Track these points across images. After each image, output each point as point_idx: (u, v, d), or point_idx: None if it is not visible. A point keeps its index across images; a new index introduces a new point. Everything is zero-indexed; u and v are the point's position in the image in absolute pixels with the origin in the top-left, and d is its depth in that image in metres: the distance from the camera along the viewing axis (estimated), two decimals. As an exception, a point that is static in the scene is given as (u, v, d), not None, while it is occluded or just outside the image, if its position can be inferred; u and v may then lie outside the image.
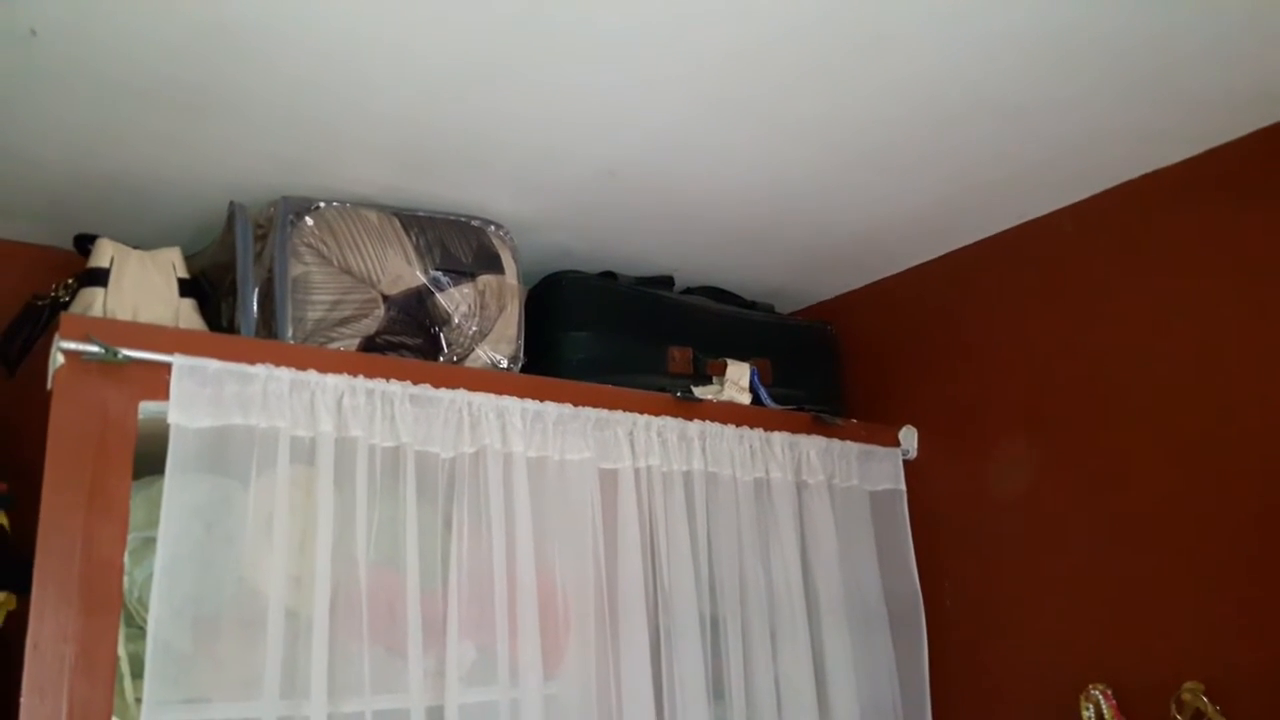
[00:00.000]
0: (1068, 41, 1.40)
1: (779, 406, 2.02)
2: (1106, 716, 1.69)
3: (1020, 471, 1.95)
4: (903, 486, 2.11)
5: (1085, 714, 1.71)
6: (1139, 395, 1.77)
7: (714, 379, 2.00)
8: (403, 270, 1.64)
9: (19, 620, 1.25)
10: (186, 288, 1.54)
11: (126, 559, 1.26)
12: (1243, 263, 1.66)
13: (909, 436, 2.15)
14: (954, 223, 2.00)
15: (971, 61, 1.44)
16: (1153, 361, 1.75)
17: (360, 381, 1.44)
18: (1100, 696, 1.70)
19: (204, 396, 1.32)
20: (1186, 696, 1.60)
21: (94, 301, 1.45)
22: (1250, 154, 1.66)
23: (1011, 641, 1.92)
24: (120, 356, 1.28)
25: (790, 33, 1.36)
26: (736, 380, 2.00)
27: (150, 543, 1.29)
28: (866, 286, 2.32)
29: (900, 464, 2.13)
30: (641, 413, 1.75)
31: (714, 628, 1.75)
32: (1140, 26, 1.37)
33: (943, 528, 2.07)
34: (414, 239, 1.68)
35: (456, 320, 1.68)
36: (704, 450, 1.81)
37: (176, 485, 1.28)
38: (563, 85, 1.45)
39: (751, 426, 1.89)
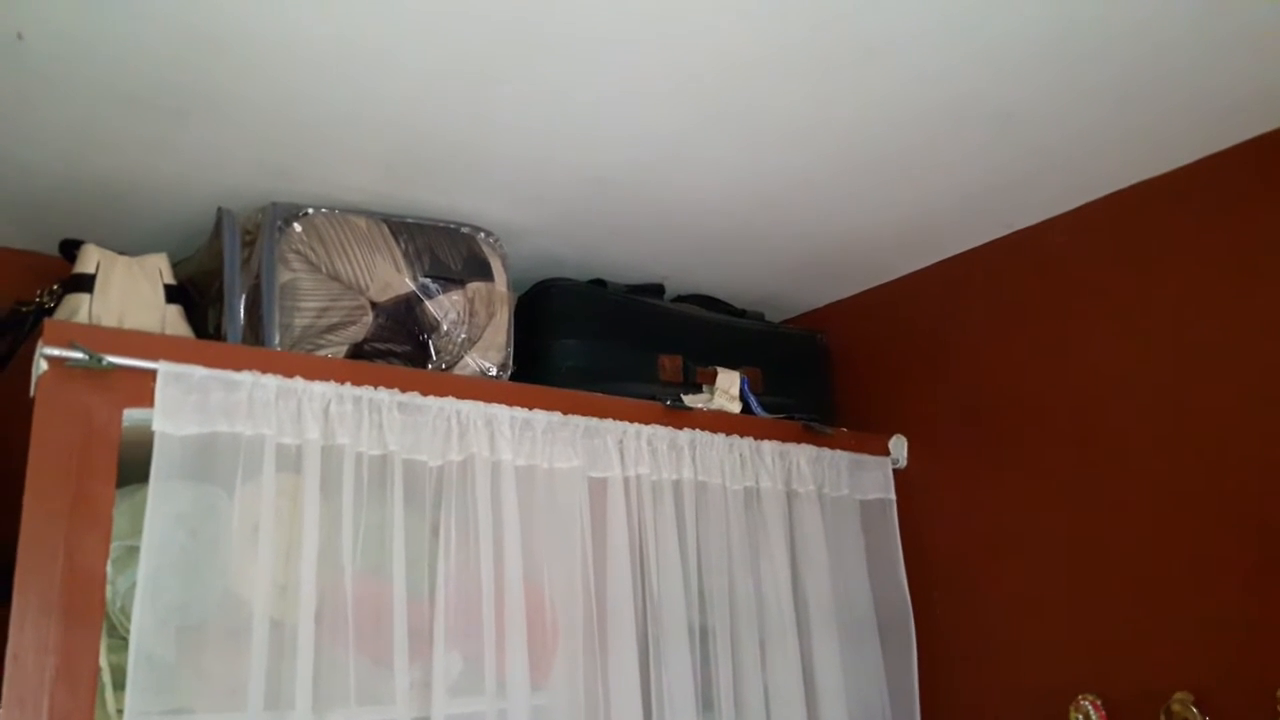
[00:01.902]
0: (1057, 52, 1.40)
1: (769, 415, 2.01)
2: (1096, 727, 1.69)
3: (1010, 481, 1.94)
4: (893, 496, 2.11)
5: (1075, 725, 1.71)
6: (1129, 406, 1.77)
7: (704, 387, 1.99)
8: (391, 277, 1.63)
9: (-1, 630, 1.24)
10: (173, 294, 1.53)
11: (109, 568, 1.25)
12: (1234, 272, 1.66)
13: (899, 446, 2.15)
14: (945, 232, 2.00)
15: (962, 71, 1.44)
16: (1143, 372, 1.76)
17: (348, 389, 1.43)
18: (1090, 707, 1.70)
19: (189, 404, 1.31)
20: (1176, 707, 1.60)
21: (79, 307, 1.44)
22: (1240, 163, 1.66)
23: (1002, 651, 1.91)
24: (105, 363, 1.26)
25: (782, 45, 1.36)
26: (727, 389, 1.99)
27: (134, 551, 1.27)
28: (857, 295, 2.32)
29: (890, 473, 2.12)
30: (631, 421, 1.74)
31: (703, 637, 1.74)
32: (1130, 36, 1.38)
33: (933, 537, 2.07)
34: (403, 246, 1.67)
35: (445, 327, 1.67)
36: (694, 459, 1.80)
37: (161, 493, 1.27)
38: (553, 93, 1.45)
39: (741, 435, 1.88)
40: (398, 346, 1.63)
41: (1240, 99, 1.54)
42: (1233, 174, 1.67)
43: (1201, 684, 1.60)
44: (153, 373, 1.30)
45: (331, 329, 1.57)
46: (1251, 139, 1.65)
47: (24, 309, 1.52)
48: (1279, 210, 1.61)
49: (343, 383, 1.43)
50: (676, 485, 1.77)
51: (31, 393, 1.25)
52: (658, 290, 2.11)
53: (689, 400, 1.90)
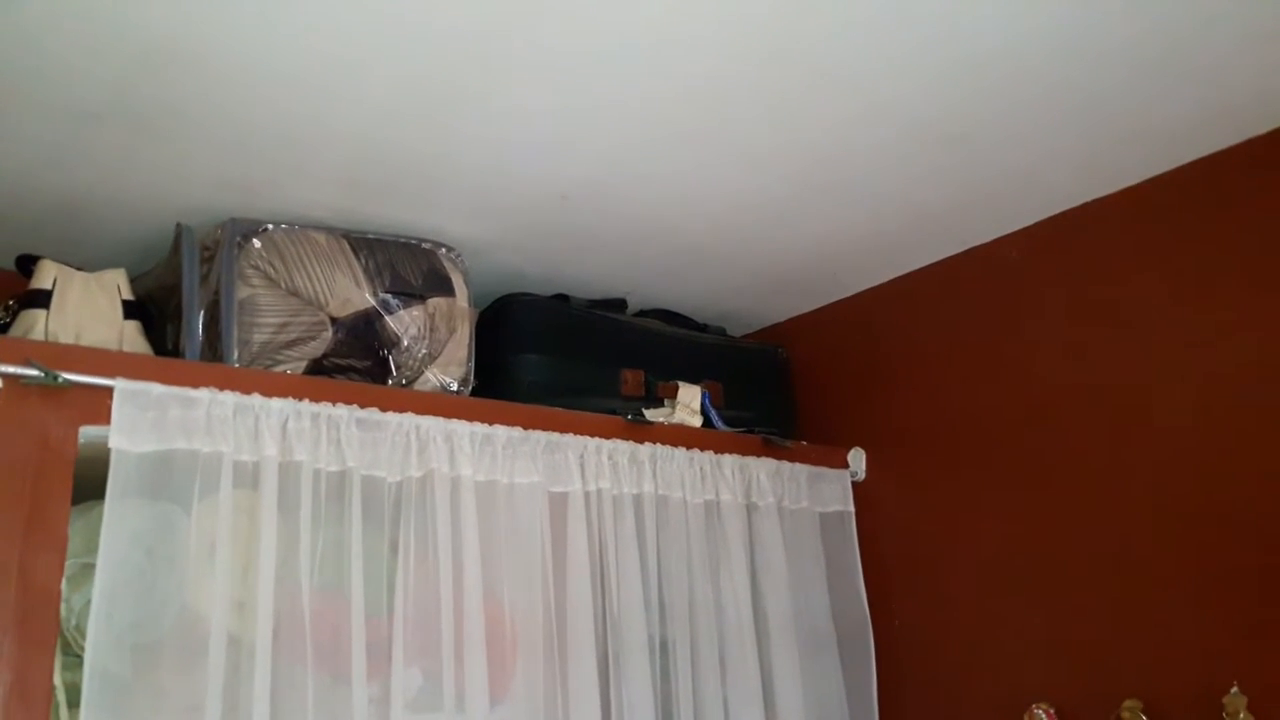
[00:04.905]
0: (1011, 75, 1.44)
1: (730, 429, 2.03)
2: (1049, 735, 1.72)
3: (967, 493, 1.98)
4: (851, 508, 2.13)
5: (1029, 733, 1.74)
6: (1082, 418, 1.80)
7: (665, 401, 2.01)
8: (351, 293, 1.64)
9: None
10: (131, 310, 1.53)
11: (64, 586, 1.24)
12: (1183, 287, 1.70)
13: (857, 458, 2.17)
14: (902, 248, 2.03)
15: (918, 95, 1.47)
16: (1096, 385, 1.79)
17: (306, 405, 1.43)
18: (1043, 715, 1.73)
19: (146, 421, 1.31)
20: (1126, 714, 1.63)
21: (35, 324, 1.43)
22: (1189, 182, 1.71)
23: (958, 662, 1.94)
24: (60, 380, 1.26)
25: (743, 68, 1.38)
26: (688, 403, 2.01)
27: (89, 569, 1.27)
28: (817, 310, 2.34)
29: (849, 486, 2.14)
30: (592, 436, 1.75)
31: (663, 651, 1.76)
32: (1083, 66, 1.41)
33: (891, 549, 2.09)
34: (363, 261, 1.67)
35: (406, 343, 1.68)
36: (654, 473, 1.81)
37: (117, 510, 1.27)
38: (516, 109, 1.46)
39: (702, 449, 1.90)
40: (358, 362, 1.64)
41: (1188, 122, 1.59)
42: (1180, 192, 1.71)
43: (1151, 691, 1.63)
44: (110, 390, 1.29)
45: (291, 344, 1.57)
46: (1198, 159, 1.69)
47: (-21, 325, 1.51)
48: (1224, 226, 1.66)
49: (301, 399, 1.44)
50: (637, 499, 1.78)
51: (-14, 410, 1.25)
52: (620, 305, 2.12)
53: (650, 414, 1.92)
